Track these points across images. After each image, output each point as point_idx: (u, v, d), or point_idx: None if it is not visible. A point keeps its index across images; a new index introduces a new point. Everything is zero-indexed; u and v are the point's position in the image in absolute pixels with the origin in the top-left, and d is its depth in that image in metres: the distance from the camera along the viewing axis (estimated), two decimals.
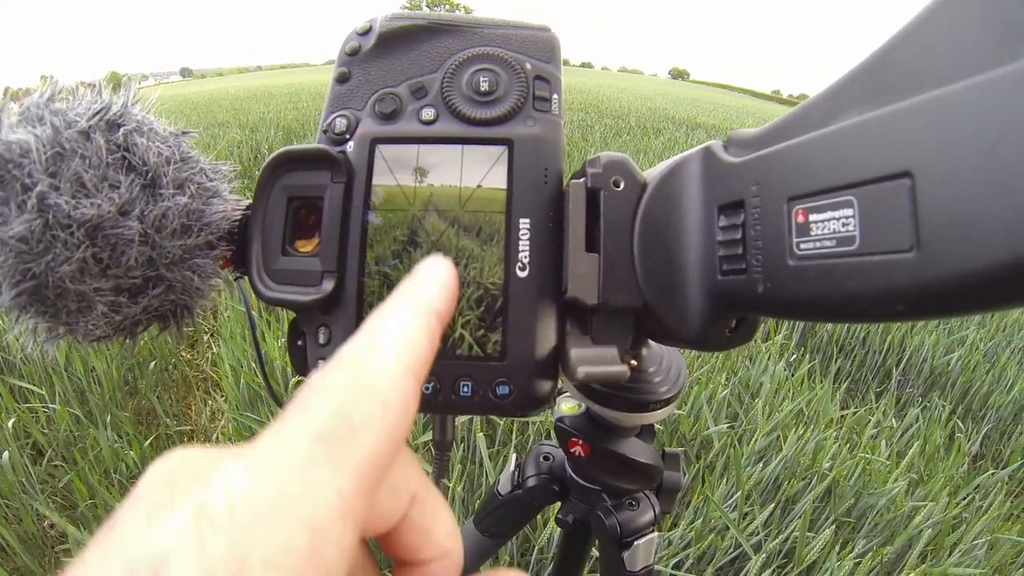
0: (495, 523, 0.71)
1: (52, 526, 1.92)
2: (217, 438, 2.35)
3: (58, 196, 0.32)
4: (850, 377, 2.99)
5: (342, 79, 0.41)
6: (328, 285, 0.38)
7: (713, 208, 0.30)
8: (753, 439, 2.12)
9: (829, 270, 0.23)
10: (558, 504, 0.66)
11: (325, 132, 0.40)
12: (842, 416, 2.55)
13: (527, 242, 0.37)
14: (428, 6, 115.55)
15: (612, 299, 0.35)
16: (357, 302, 0.38)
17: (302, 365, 0.40)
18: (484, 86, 0.40)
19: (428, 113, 0.40)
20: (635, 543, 0.59)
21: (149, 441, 2.18)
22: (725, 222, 0.29)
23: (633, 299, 0.35)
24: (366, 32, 0.42)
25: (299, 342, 0.40)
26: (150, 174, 0.35)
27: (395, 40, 0.42)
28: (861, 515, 1.96)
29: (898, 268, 0.21)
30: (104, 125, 0.35)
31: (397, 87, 0.41)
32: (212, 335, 3.00)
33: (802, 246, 0.25)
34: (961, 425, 2.72)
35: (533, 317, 0.37)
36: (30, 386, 2.36)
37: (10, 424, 2.10)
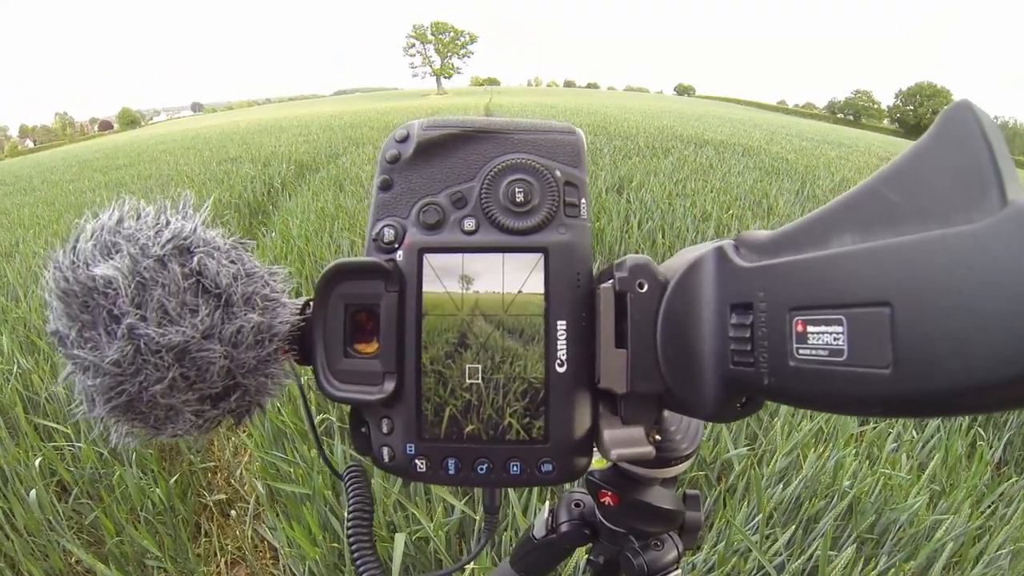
0: (530, 564, 0.76)
1: (79, 562, 1.95)
2: (241, 474, 2.38)
3: (146, 327, 0.36)
4: None
5: (385, 187, 0.46)
6: (390, 385, 0.43)
7: (726, 305, 0.34)
8: (773, 460, 2.12)
9: (823, 374, 0.28)
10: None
11: (374, 240, 0.44)
12: (861, 432, 2.54)
13: (564, 341, 0.42)
14: (433, 34, 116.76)
15: (639, 387, 0.40)
16: (416, 397, 0.43)
17: (366, 449, 0.45)
18: (519, 197, 0.43)
19: (469, 224, 0.44)
20: None
21: (175, 479, 2.21)
22: (736, 320, 0.33)
23: (656, 386, 0.39)
24: (404, 140, 0.46)
25: (362, 429, 0.45)
26: (223, 296, 0.39)
27: (432, 148, 0.45)
28: (883, 531, 1.95)
29: (877, 381, 0.25)
30: (177, 252, 0.38)
31: (438, 196, 0.45)
32: None
33: (801, 351, 0.29)
34: (983, 433, 2.70)
35: (571, 406, 0.42)
36: (55, 425, 2.41)
37: (37, 463, 2.13)
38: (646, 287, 0.39)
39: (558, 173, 0.44)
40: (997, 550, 1.89)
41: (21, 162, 25.27)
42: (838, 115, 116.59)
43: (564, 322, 0.42)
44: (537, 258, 0.42)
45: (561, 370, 0.42)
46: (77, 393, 0.38)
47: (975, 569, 1.81)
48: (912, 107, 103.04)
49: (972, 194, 0.22)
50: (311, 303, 0.44)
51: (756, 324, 0.32)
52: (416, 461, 0.43)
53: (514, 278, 0.42)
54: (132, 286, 0.36)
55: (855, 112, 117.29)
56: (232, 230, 0.43)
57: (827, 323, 0.27)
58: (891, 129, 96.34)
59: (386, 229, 0.44)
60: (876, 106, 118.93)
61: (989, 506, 2.19)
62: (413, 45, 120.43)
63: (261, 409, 0.44)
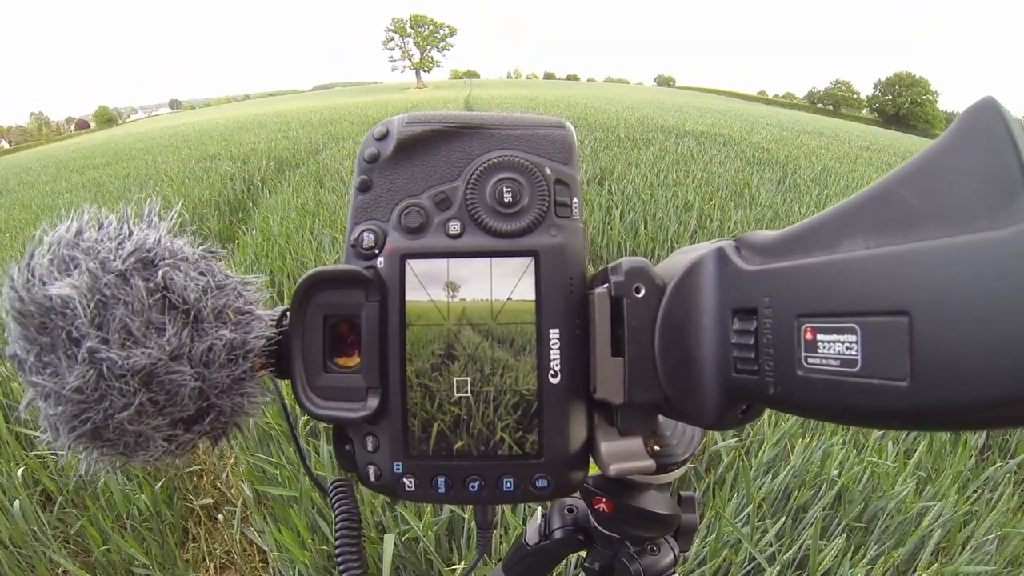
0: (524, 570, 0.75)
1: (65, 572, 1.92)
2: (227, 477, 2.36)
3: (108, 350, 0.33)
4: None
5: (364, 188, 0.43)
6: (373, 402, 0.40)
7: (727, 310, 0.32)
8: (761, 450, 2.13)
9: (834, 385, 0.26)
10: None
11: (353, 246, 0.42)
12: None
13: (557, 351, 0.40)
14: (412, 27, 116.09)
15: (637, 397, 0.38)
16: (402, 413, 0.40)
17: (351, 466, 0.43)
18: (507, 197, 0.41)
19: (454, 227, 0.41)
20: None
21: (160, 484, 2.18)
22: (739, 326, 0.31)
23: (655, 395, 0.37)
24: (383, 137, 0.43)
25: (346, 447, 0.43)
26: (192, 312, 0.36)
27: (413, 146, 0.43)
28: (872, 519, 1.97)
29: (895, 393, 0.23)
30: (140, 266, 0.35)
31: (420, 197, 0.42)
32: None
33: (810, 360, 0.27)
34: None
35: (566, 418, 0.40)
36: (37, 433, 2.36)
37: (19, 473, 2.10)
38: (643, 291, 0.37)
39: (548, 171, 0.42)
40: (984, 535, 1.91)
41: None
42: (818, 105, 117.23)
43: (557, 330, 0.40)
44: (527, 262, 0.40)
45: (555, 381, 0.40)
46: (41, 420, 0.36)
47: (963, 555, 1.83)
48: (891, 97, 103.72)
49: (998, 198, 0.21)
50: (288, 313, 0.42)
51: (761, 330, 0.30)
52: (404, 480, 0.41)
53: (503, 284, 0.40)
54: (92, 305, 0.33)
55: (835, 102, 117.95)
56: (206, 235, 0.41)
57: (839, 331, 0.26)
58: (870, 119, 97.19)
59: (365, 234, 0.41)
60: (855, 96, 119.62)
61: (975, 491, 2.22)
62: (392, 39, 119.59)
63: (239, 429, 0.41)
